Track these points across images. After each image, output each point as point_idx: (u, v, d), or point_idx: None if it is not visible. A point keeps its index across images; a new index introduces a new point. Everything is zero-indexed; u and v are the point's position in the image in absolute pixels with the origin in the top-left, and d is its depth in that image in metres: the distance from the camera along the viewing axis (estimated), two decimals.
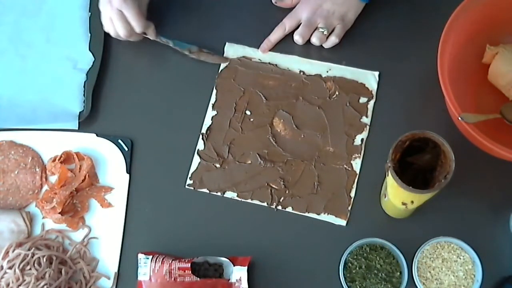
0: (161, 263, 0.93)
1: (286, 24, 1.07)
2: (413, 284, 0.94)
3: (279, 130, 1.04)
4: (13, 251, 0.95)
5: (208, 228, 1.00)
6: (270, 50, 1.08)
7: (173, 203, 1.01)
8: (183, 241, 0.99)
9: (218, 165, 1.02)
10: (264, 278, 0.96)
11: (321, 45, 1.07)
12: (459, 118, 0.90)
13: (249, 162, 1.02)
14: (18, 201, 1.02)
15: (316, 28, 1.06)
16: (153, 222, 1.01)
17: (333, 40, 1.06)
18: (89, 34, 1.10)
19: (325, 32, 1.05)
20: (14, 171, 1.03)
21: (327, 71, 1.06)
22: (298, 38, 1.07)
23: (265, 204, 1.00)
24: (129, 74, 1.09)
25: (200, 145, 1.04)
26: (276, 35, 1.08)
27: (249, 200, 1.00)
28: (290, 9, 1.09)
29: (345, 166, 1.01)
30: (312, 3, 1.06)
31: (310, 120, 1.04)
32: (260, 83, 1.07)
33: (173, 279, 0.93)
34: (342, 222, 0.98)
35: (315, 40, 1.06)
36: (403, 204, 0.88)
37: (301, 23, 1.07)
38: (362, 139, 1.03)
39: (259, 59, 1.08)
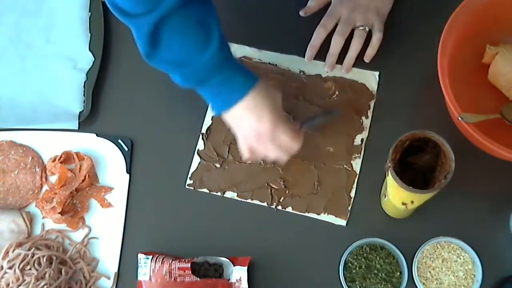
0: (161, 263, 0.93)
1: (327, 24, 1.05)
2: (413, 284, 0.94)
3: None
4: (13, 251, 0.95)
5: (208, 228, 1.00)
6: (270, 50, 1.08)
7: (173, 203, 1.01)
8: (183, 241, 0.99)
9: (218, 165, 1.02)
10: (264, 278, 0.97)
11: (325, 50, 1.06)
12: (459, 118, 0.90)
13: (249, 162, 1.02)
14: (18, 201, 1.02)
15: (356, 28, 1.04)
16: (153, 222, 1.01)
17: (378, 36, 1.03)
18: (89, 34, 1.10)
19: (366, 29, 1.04)
20: (14, 171, 1.03)
21: (327, 71, 1.06)
22: (339, 38, 1.03)
23: (265, 204, 1.00)
24: (129, 74, 1.09)
25: (200, 145, 1.04)
26: (318, 38, 1.05)
27: (249, 200, 1.01)
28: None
29: (345, 166, 1.01)
30: (347, 0, 1.05)
31: None
32: None
33: (173, 279, 0.93)
34: (342, 222, 0.98)
35: (358, 40, 1.03)
36: (403, 204, 0.88)
37: (337, 23, 1.05)
38: (362, 139, 1.03)
39: (259, 59, 1.08)
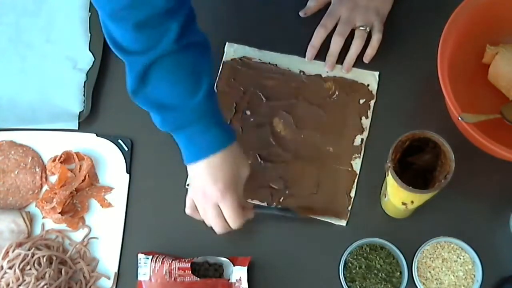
0: (161, 263, 0.93)
1: (327, 24, 1.05)
2: (413, 284, 0.94)
3: (279, 130, 1.04)
4: (13, 251, 0.95)
5: (208, 228, 1.00)
6: (270, 50, 1.08)
7: (173, 203, 1.01)
8: (183, 241, 0.99)
9: None
10: (264, 278, 0.97)
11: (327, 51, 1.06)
12: (459, 118, 0.90)
13: (249, 162, 1.02)
14: (18, 201, 1.02)
15: (356, 28, 1.04)
16: (153, 222, 1.01)
17: (378, 36, 1.03)
18: (89, 34, 1.10)
19: (367, 29, 1.04)
20: (14, 171, 1.03)
21: (327, 71, 1.06)
22: (338, 38, 1.04)
23: (265, 204, 1.00)
24: None
25: None
26: (318, 38, 1.05)
27: (249, 200, 1.00)
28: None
29: (345, 166, 1.01)
30: (347, 1, 1.05)
31: (310, 120, 1.04)
32: (260, 83, 1.07)
33: (173, 279, 0.93)
34: (342, 222, 0.98)
35: (358, 40, 1.03)
36: (403, 204, 0.88)
37: (337, 23, 1.05)
38: (362, 139, 1.02)
39: (259, 59, 1.08)
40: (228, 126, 0.92)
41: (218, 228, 0.92)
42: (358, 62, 1.05)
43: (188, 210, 0.95)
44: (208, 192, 0.89)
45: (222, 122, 0.90)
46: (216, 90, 1.06)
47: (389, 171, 0.82)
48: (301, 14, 1.09)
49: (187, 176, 1.02)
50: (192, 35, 0.85)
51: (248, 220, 0.94)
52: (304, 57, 1.07)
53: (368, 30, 1.04)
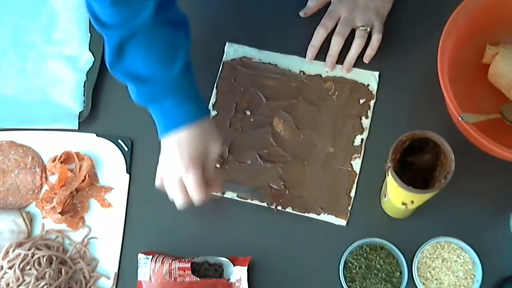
0: (161, 263, 0.93)
1: (327, 24, 1.05)
2: (413, 284, 0.94)
3: (279, 130, 1.04)
4: (13, 251, 0.95)
5: (208, 228, 1.00)
6: (270, 50, 1.08)
7: (173, 203, 1.01)
8: (183, 241, 0.99)
9: (218, 165, 1.02)
10: (264, 278, 0.97)
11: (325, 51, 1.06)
12: (459, 118, 0.90)
13: (249, 162, 1.02)
14: (18, 201, 1.02)
15: (356, 28, 1.04)
16: (153, 222, 1.01)
17: (377, 36, 1.04)
18: (89, 34, 1.10)
19: (368, 29, 1.04)
20: (14, 171, 1.03)
21: (327, 71, 1.06)
22: (338, 38, 1.04)
23: (265, 204, 1.00)
24: None
25: None
26: (318, 38, 1.05)
27: (249, 200, 1.00)
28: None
29: (345, 166, 1.01)
30: (347, 1, 1.05)
31: (310, 120, 1.04)
32: (260, 83, 1.07)
33: (173, 279, 0.93)
34: (342, 222, 0.98)
35: (359, 40, 1.04)
36: (403, 204, 0.88)
37: (337, 23, 1.05)
38: (362, 139, 1.02)
39: (259, 59, 1.08)
40: (203, 102, 0.93)
41: (179, 202, 0.90)
42: (358, 62, 1.05)
43: (157, 182, 0.94)
44: (174, 165, 0.89)
45: (196, 98, 0.91)
46: (216, 90, 1.06)
47: (389, 171, 0.82)
48: (301, 14, 1.09)
49: None
50: (169, 12, 0.87)
51: (217, 195, 0.96)
52: (304, 57, 1.07)
53: (368, 30, 1.04)
